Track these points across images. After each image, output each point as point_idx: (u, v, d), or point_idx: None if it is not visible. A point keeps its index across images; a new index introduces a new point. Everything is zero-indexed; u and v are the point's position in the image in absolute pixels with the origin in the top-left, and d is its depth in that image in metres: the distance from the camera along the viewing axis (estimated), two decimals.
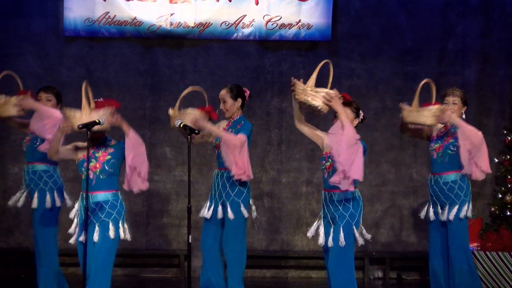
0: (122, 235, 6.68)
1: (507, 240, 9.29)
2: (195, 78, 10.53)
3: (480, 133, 7.29)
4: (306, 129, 6.91)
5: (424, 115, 7.20)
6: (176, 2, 10.35)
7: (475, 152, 7.24)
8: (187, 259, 6.84)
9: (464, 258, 7.37)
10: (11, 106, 7.70)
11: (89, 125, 6.47)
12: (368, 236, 6.86)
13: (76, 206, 6.72)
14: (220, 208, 7.43)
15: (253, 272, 10.11)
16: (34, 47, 10.47)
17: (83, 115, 6.47)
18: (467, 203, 7.43)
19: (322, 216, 6.80)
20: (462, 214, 7.38)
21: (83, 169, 6.52)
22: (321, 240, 6.74)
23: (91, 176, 6.51)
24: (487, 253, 9.13)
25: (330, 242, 6.65)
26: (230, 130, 7.43)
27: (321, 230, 6.76)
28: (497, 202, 10.01)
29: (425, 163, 10.47)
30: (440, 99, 7.51)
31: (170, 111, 7.54)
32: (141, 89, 10.54)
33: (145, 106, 10.55)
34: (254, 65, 10.53)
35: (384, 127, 10.53)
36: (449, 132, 7.45)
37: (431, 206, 7.59)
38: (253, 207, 7.57)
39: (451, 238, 7.41)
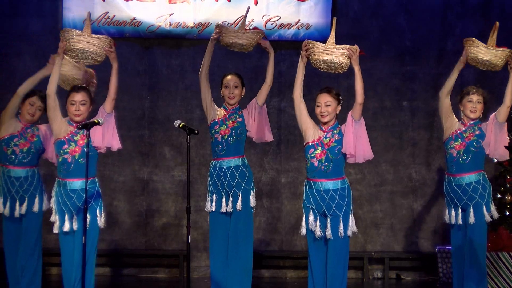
0: (100, 224, 6.61)
1: (506, 240, 9.29)
2: (194, 78, 10.52)
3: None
4: (302, 105, 6.88)
5: (498, 56, 7.07)
6: (175, 2, 10.35)
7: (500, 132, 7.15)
8: (186, 259, 6.82)
9: (483, 260, 7.27)
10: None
11: (87, 125, 6.45)
12: (355, 229, 6.78)
13: (53, 193, 6.67)
14: (225, 200, 7.43)
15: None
16: (31, 46, 10.46)
17: (81, 37, 6.43)
18: (491, 204, 7.27)
19: (313, 207, 6.71)
20: (488, 215, 7.21)
21: (61, 152, 6.49)
22: (318, 232, 6.67)
23: (69, 160, 6.47)
24: (487, 253, 9.12)
25: (329, 234, 6.60)
26: (233, 116, 7.49)
27: (317, 222, 6.69)
28: (496, 202, 9.99)
29: (424, 163, 10.48)
30: (459, 97, 7.43)
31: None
32: (140, 89, 10.54)
33: (143, 106, 10.54)
34: (252, 65, 10.53)
35: (383, 127, 10.53)
36: (469, 128, 7.30)
37: (452, 209, 7.34)
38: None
39: (474, 240, 7.21)
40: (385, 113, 10.53)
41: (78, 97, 6.63)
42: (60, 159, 6.53)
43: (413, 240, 10.40)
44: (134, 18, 10.33)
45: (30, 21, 10.44)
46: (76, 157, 6.53)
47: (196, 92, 10.49)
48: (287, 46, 10.47)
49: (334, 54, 6.73)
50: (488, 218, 7.22)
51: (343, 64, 6.79)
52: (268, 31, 10.37)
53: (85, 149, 6.41)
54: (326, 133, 6.74)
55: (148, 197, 10.42)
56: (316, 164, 6.66)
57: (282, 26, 10.37)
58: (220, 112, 7.63)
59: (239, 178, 7.49)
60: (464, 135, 7.28)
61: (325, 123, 6.78)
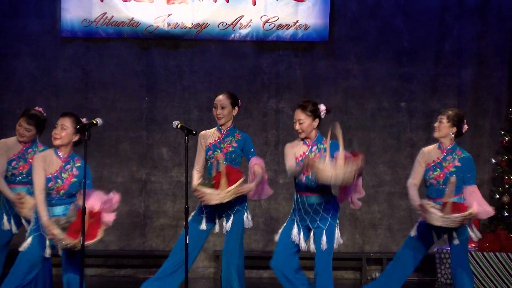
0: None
1: (504, 240, 9.30)
2: (192, 79, 10.53)
3: (476, 191, 7.03)
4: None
5: (454, 221, 6.79)
6: (173, 3, 10.35)
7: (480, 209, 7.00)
8: (184, 260, 6.81)
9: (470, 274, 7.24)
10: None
11: (86, 126, 6.43)
12: (341, 241, 6.79)
13: (32, 217, 6.57)
14: (218, 220, 7.34)
15: (250, 272, 10.10)
16: (30, 47, 10.46)
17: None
18: (473, 226, 7.18)
19: (297, 220, 6.72)
20: (469, 234, 7.12)
21: (47, 187, 6.43)
22: (303, 246, 6.70)
23: (53, 195, 6.43)
24: (485, 253, 9.14)
25: (313, 247, 6.63)
26: (228, 139, 7.32)
27: (301, 234, 6.72)
28: (494, 203, 10.00)
29: None
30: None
31: (200, 188, 7.14)
32: (138, 90, 10.53)
33: (141, 107, 10.54)
34: (250, 65, 10.53)
35: (381, 128, 10.54)
36: (447, 156, 7.14)
37: (427, 226, 7.09)
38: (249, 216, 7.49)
39: (457, 259, 7.09)
40: (383, 114, 10.54)
41: (61, 121, 6.53)
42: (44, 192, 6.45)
43: None
44: (132, 19, 10.33)
45: (29, 22, 10.43)
46: (61, 194, 6.48)
47: (194, 93, 10.54)
48: (285, 46, 10.48)
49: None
50: (473, 236, 7.18)
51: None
52: (266, 32, 10.37)
53: (71, 189, 6.42)
54: (310, 147, 6.70)
55: (146, 198, 10.42)
56: (303, 180, 6.64)
57: (280, 26, 10.37)
58: (214, 135, 7.35)
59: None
60: (443, 164, 7.10)
61: (306, 138, 6.73)
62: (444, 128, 7.14)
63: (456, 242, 7.03)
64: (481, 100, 10.54)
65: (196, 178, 7.27)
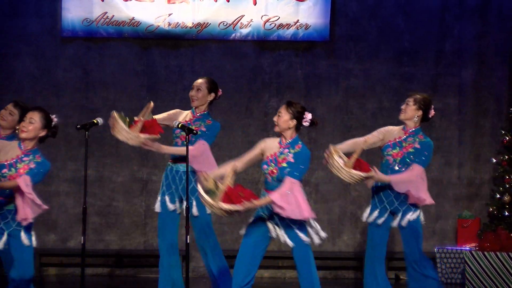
0: (34, 242, 6.43)
1: (505, 240, 9.30)
2: (192, 79, 10.44)
3: (416, 171, 7.02)
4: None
5: (353, 177, 6.77)
6: (174, 3, 10.35)
7: (415, 190, 7.02)
8: (185, 259, 6.82)
9: (426, 259, 7.27)
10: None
11: (86, 125, 6.43)
12: (323, 234, 6.71)
13: None
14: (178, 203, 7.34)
15: None
16: (30, 47, 10.45)
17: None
18: (419, 210, 7.23)
19: (266, 217, 6.56)
20: (416, 219, 7.20)
21: (5, 172, 6.35)
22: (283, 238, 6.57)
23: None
24: (485, 253, 9.13)
25: (290, 243, 6.51)
26: (198, 123, 7.31)
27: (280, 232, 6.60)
28: (495, 203, 10.02)
29: None
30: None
31: (116, 115, 7.07)
32: (138, 90, 10.53)
33: (142, 106, 10.43)
34: (251, 65, 10.53)
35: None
36: (409, 138, 7.16)
37: (378, 210, 7.23)
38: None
39: (408, 241, 7.26)
40: (383, 114, 10.53)
41: (30, 114, 6.47)
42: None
43: None
44: (133, 18, 10.33)
45: (29, 22, 10.43)
46: None
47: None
48: (286, 46, 10.47)
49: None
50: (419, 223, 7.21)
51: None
52: (267, 32, 10.37)
53: (26, 172, 6.28)
54: (282, 149, 6.54)
55: (147, 197, 10.41)
56: (269, 180, 6.54)
57: (281, 26, 10.37)
58: (187, 115, 7.43)
59: (194, 183, 7.24)
60: (403, 144, 7.13)
61: (282, 136, 6.59)
62: (410, 110, 7.19)
63: (403, 223, 7.13)
64: (482, 99, 10.53)
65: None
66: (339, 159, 6.73)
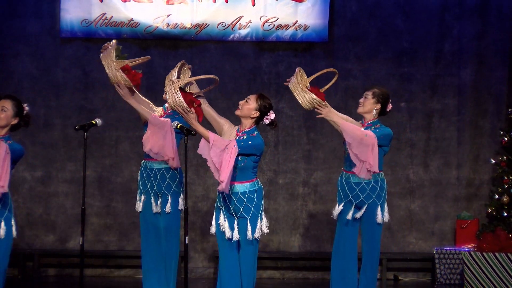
0: (14, 233, 6.40)
1: (504, 241, 9.30)
2: None
3: (367, 132, 7.03)
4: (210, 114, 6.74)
5: (305, 97, 6.91)
6: (172, 3, 10.35)
7: (360, 150, 6.97)
8: (184, 260, 6.82)
9: (375, 258, 7.25)
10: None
11: (85, 126, 6.44)
12: (266, 230, 6.65)
13: None
14: (154, 201, 7.34)
15: None
16: (29, 48, 10.45)
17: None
18: (385, 205, 7.23)
19: (222, 208, 6.56)
20: (380, 217, 7.16)
21: None
22: (227, 233, 6.52)
23: None
24: (484, 254, 9.13)
25: (236, 235, 6.48)
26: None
27: (226, 223, 6.57)
28: (494, 203, 10.02)
29: (421, 164, 10.48)
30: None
31: (114, 44, 7.13)
32: (137, 90, 10.51)
33: None
34: (250, 66, 10.53)
35: None
36: (367, 129, 7.18)
37: (343, 204, 7.24)
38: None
39: (366, 238, 7.22)
40: None
41: (2, 102, 6.46)
42: None
43: (410, 241, 10.41)
44: (131, 19, 10.33)
45: (28, 22, 10.43)
46: None
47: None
48: (285, 47, 10.48)
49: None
50: (379, 220, 7.18)
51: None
52: (266, 32, 10.37)
53: None
54: (239, 136, 6.55)
55: None
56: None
57: (279, 27, 10.37)
58: (158, 112, 7.42)
59: (169, 180, 7.32)
60: None
61: (241, 123, 6.61)
62: (368, 104, 7.26)
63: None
64: (481, 100, 10.53)
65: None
66: (300, 79, 6.85)
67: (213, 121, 6.70)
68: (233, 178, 6.47)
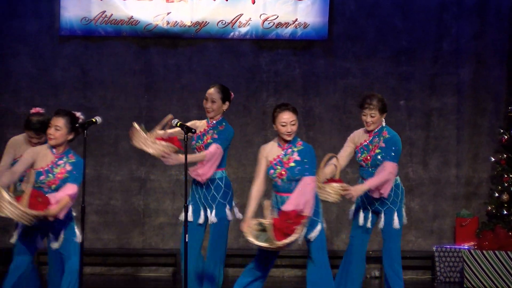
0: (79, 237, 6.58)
1: (503, 239, 9.31)
2: (190, 78, 10.53)
3: (389, 169, 7.07)
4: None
5: (327, 192, 6.90)
6: (172, 1, 10.34)
7: (382, 186, 7.09)
8: (184, 258, 6.81)
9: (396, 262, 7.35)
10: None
11: (85, 124, 6.44)
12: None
13: None
14: (203, 212, 7.32)
15: None
16: (28, 46, 10.44)
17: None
18: (403, 211, 7.28)
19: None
20: (397, 222, 7.23)
21: (38, 181, 6.42)
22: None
23: (44, 189, 6.40)
24: (484, 252, 9.14)
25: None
26: (211, 131, 7.27)
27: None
28: (494, 201, 10.03)
29: (420, 162, 10.49)
30: (359, 104, 7.36)
31: (137, 126, 6.94)
32: (136, 89, 10.53)
33: (140, 105, 10.53)
34: (249, 64, 10.53)
35: None
36: (374, 139, 7.21)
37: (362, 211, 7.36)
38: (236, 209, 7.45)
39: (386, 244, 7.34)
40: None
41: (54, 121, 6.53)
42: (36, 186, 6.43)
43: (410, 239, 10.41)
44: (131, 17, 10.32)
45: (27, 22, 10.41)
46: (52, 188, 6.45)
47: (193, 91, 10.52)
48: (284, 45, 10.48)
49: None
50: (396, 225, 7.22)
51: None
52: (266, 30, 10.37)
53: (61, 184, 6.41)
54: (285, 150, 6.60)
55: (146, 196, 10.41)
56: (279, 182, 6.60)
57: (279, 25, 10.37)
58: (202, 126, 7.36)
59: (214, 191, 7.24)
60: (369, 147, 7.20)
61: (286, 141, 6.64)
62: (377, 120, 7.20)
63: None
64: (480, 99, 10.54)
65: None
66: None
67: (266, 172, 6.75)
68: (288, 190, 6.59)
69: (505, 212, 9.90)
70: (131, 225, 10.39)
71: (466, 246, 9.61)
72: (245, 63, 10.53)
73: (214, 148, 7.08)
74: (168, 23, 10.36)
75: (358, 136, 7.34)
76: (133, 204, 10.41)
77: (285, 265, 10.37)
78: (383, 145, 7.15)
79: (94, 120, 6.62)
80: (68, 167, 6.46)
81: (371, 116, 7.19)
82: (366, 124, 7.23)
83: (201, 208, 7.23)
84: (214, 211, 7.19)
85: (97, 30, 10.33)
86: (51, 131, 6.46)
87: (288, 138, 6.58)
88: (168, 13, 10.33)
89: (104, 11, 10.30)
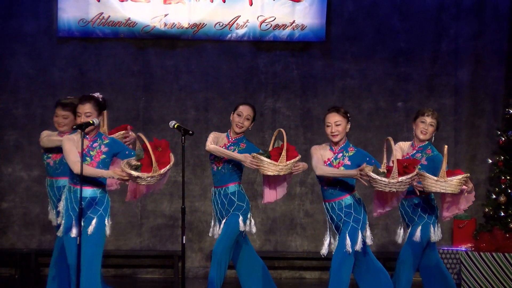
0: (107, 231, 6.68)
1: (501, 240, 9.31)
2: (189, 79, 10.53)
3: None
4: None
5: (453, 184, 6.93)
6: (170, 3, 10.35)
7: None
8: (181, 259, 6.82)
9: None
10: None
11: (82, 126, 6.44)
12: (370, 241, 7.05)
13: (63, 197, 6.65)
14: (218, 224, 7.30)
15: None
16: (26, 47, 10.45)
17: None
18: (437, 224, 7.35)
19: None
20: (434, 234, 7.30)
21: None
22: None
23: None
24: (481, 253, 9.14)
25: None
26: (232, 147, 7.27)
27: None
28: (491, 203, 10.03)
29: None
30: (414, 116, 7.28)
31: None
32: (134, 90, 10.53)
33: (138, 106, 10.54)
34: (247, 65, 10.53)
35: (377, 128, 10.54)
36: (417, 153, 7.22)
37: (402, 226, 7.47)
38: (252, 221, 7.44)
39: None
40: (379, 114, 10.54)
41: (81, 109, 6.55)
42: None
43: None
44: (129, 19, 10.33)
45: (24, 22, 10.42)
46: None
47: (191, 92, 10.54)
48: (282, 47, 10.48)
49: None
50: (434, 238, 7.29)
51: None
52: (263, 32, 10.38)
53: (100, 166, 6.47)
54: (336, 154, 6.73)
55: (143, 197, 10.39)
56: (325, 187, 6.74)
57: (277, 27, 10.37)
58: (222, 141, 7.32)
59: (227, 205, 7.24)
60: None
61: (336, 143, 6.74)
62: (431, 131, 7.26)
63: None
64: (478, 100, 10.54)
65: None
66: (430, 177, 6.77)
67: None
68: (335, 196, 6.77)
69: (503, 214, 9.90)
70: (129, 227, 10.40)
71: (463, 247, 9.61)
72: (243, 64, 10.53)
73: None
74: (165, 24, 10.36)
75: (403, 149, 7.34)
76: (130, 205, 10.41)
77: (282, 267, 10.38)
78: (425, 162, 7.12)
79: (91, 121, 6.62)
80: (104, 149, 6.51)
81: (430, 125, 7.23)
82: (421, 131, 7.20)
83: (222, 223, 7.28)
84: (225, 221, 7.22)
85: (94, 31, 10.34)
86: (82, 119, 6.45)
87: (334, 140, 6.70)
88: (166, 15, 10.34)
89: (102, 13, 10.30)
